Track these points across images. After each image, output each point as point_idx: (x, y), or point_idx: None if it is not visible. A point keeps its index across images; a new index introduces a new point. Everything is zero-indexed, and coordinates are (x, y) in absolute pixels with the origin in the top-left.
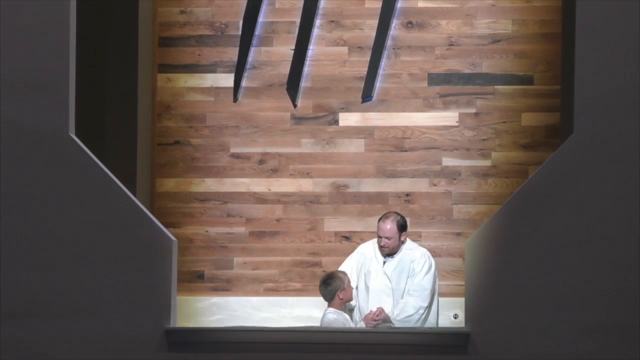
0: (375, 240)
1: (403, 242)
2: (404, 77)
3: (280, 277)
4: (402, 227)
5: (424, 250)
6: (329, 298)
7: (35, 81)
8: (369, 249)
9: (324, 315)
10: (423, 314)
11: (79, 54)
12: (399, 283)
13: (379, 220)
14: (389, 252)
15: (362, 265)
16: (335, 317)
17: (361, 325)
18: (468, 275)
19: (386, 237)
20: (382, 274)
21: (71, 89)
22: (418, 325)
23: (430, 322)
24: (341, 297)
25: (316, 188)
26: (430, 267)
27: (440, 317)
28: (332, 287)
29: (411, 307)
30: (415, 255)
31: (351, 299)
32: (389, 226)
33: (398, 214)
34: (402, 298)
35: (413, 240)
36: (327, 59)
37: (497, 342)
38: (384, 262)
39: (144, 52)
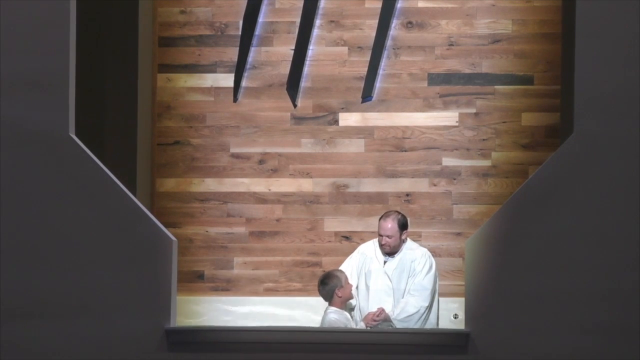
0: (375, 240)
1: (404, 241)
2: (404, 77)
3: (280, 277)
4: (403, 226)
5: (425, 250)
6: (328, 297)
7: (35, 81)
8: (369, 249)
9: (325, 315)
10: (424, 313)
11: (79, 54)
12: (400, 283)
13: (380, 219)
14: (389, 251)
15: (363, 265)
16: (337, 317)
17: (361, 325)
18: (468, 275)
19: (387, 236)
20: (383, 274)
21: (71, 89)
22: (419, 325)
23: (431, 322)
24: (339, 295)
25: (316, 188)
26: (431, 267)
27: (440, 317)
28: (329, 286)
29: (412, 306)
30: (416, 255)
31: (351, 297)
32: (390, 224)
33: (399, 212)
34: (402, 298)
35: (413, 240)
36: (327, 59)
37: (497, 342)
38: (385, 262)
39: (144, 52)
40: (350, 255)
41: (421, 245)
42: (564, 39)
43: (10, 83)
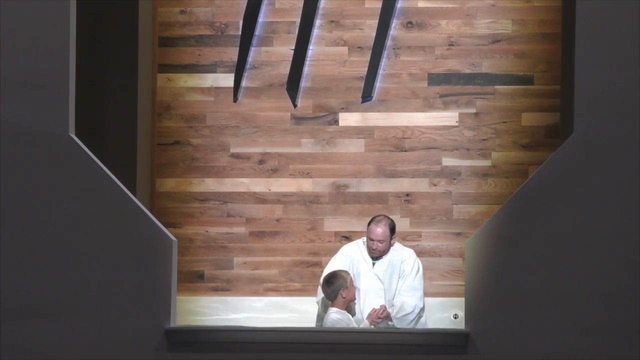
0: (359, 241)
1: (392, 245)
2: (404, 77)
3: (280, 277)
4: (392, 230)
5: (411, 250)
6: (332, 297)
7: (35, 81)
8: (354, 251)
9: (327, 315)
10: (418, 313)
11: (79, 54)
12: (391, 284)
13: (370, 223)
14: (378, 255)
15: (350, 267)
16: (339, 317)
17: (365, 323)
18: (468, 275)
19: (378, 241)
20: (373, 275)
21: (71, 89)
22: (412, 325)
23: (422, 323)
24: (344, 295)
25: (316, 188)
26: (419, 268)
27: (440, 317)
28: (335, 286)
29: (409, 305)
30: (404, 256)
31: (354, 298)
32: (382, 229)
33: (388, 217)
34: (393, 298)
35: (411, 240)
36: (327, 59)
37: (497, 342)
38: (374, 264)
39: (144, 52)
40: (334, 257)
41: (420, 245)
42: (564, 39)
43: (10, 83)
